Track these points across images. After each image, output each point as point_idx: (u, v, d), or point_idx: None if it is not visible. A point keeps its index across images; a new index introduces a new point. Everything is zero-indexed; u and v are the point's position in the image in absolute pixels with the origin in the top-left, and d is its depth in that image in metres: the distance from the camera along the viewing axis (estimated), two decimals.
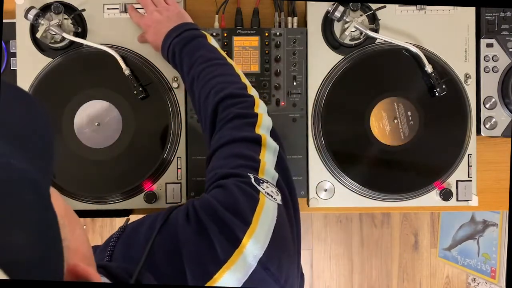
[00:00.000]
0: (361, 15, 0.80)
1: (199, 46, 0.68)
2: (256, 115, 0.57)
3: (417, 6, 0.82)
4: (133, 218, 0.91)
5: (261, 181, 0.49)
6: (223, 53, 0.68)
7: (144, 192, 0.81)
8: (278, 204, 0.48)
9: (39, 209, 0.28)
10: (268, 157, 0.53)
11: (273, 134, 0.57)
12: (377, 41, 0.82)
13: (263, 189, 0.48)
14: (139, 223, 0.51)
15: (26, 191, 0.27)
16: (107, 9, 0.82)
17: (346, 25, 0.80)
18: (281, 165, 0.54)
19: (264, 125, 0.56)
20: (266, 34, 0.81)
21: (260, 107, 0.59)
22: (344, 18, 0.79)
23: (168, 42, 0.70)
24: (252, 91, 0.62)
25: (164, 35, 0.71)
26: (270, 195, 0.48)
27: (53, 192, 0.31)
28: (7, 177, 0.26)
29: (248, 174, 0.49)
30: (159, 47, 0.74)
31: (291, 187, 0.53)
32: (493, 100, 0.84)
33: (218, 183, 0.50)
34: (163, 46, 0.72)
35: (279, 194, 0.50)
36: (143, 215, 0.52)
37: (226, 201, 0.46)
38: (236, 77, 0.63)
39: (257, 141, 0.54)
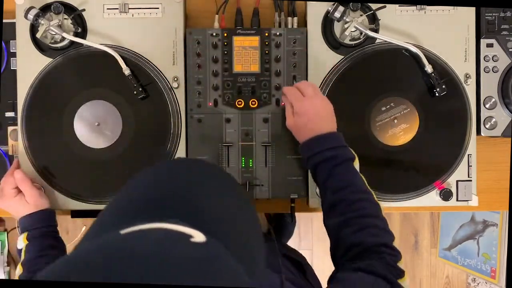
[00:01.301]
0: (361, 15, 0.80)
1: (351, 172, 0.70)
2: (403, 272, 0.61)
3: (417, 6, 0.82)
4: None
5: None
6: (365, 181, 0.71)
7: None
8: None
9: None
10: None
11: None
12: (377, 41, 0.82)
13: None
14: None
15: None
16: (107, 9, 0.82)
17: (346, 25, 0.80)
18: None
19: (405, 283, 0.61)
20: (266, 34, 0.81)
21: (403, 264, 0.63)
22: (344, 18, 0.79)
23: (319, 149, 0.70)
24: (396, 243, 0.66)
25: (315, 135, 0.71)
26: None
27: None
28: None
29: None
30: (297, 135, 0.75)
31: None
32: (493, 100, 0.84)
33: None
34: (311, 146, 0.72)
35: None
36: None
37: None
38: (386, 223, 0.67)
39: None
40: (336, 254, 0.68)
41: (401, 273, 0.60)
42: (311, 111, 0.72)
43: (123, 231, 0.32)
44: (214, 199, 0.40)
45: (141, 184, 0.41)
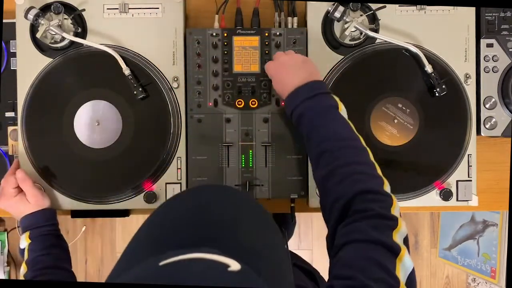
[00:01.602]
0: (361, 15, 0.80)
1: (334, 119, 0.66)
2: (395, 218, 0.55)
3: (417, 6, 0.82)
4: (133, 217, 0.91)
5: None
6: (353, 127, 0.66)
7: (144, 192, 0.81)
8: None
9: None
10: (401, 275, 0.51)
11: (406, 241, 0.55)
12: (377, 41, 0.82)
13: None
14: None
15: None
16: (107, 9, 0.82)
17: (346, 25, 0.80)
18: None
19: (401, 232, 0.55)
20: (266, 34, 0.81)
21: (396, 209, 0.57)
22: (344, 18, 0.79)
23: (298, 101, 0.68)
24: (387, 188, 0.61)
25: (293, 89, 0.69)
26: None
27: None
28: None
29: None
30: (283, 96, 0.73)
31: None
32: (493, 100, 0.84)
33: None
34: (290, 101, 0.70)
35: None
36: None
37: None
38: (373, 168, 0.62)
39: (395, 253, 0.52)
40: (324, 213, 0.63)
41: (394, 223, 0.54)
42: (279, 69, 0.73)
43: (162, 262, 0.34)
44: (250, 230, 0.43)
45: (180, 211, 0.43)
